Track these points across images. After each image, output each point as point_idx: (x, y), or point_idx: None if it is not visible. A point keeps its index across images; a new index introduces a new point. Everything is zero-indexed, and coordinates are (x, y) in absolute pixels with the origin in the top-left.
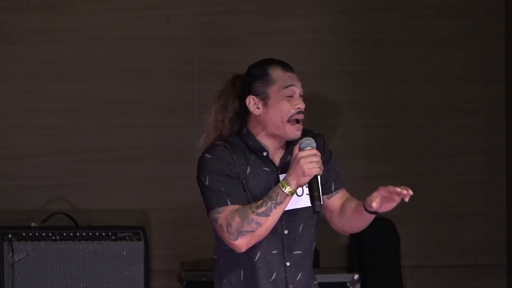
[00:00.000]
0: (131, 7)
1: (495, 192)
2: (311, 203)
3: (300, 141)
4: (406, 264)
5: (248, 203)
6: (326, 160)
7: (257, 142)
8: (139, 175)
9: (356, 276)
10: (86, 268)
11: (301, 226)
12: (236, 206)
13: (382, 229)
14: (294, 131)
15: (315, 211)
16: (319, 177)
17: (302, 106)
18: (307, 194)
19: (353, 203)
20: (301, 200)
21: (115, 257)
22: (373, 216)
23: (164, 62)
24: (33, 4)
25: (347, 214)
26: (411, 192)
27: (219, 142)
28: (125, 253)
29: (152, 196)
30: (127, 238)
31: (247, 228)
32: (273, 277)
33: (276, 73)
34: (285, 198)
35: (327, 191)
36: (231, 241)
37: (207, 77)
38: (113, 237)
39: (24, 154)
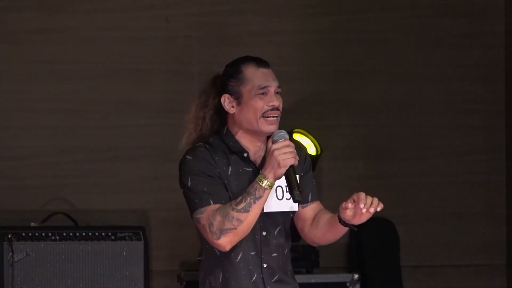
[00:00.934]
0: (131, 7)
1: (495, 192)
2: (290, 193)
3: (273, 133)
4: (405, 264)
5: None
6: (305, 171)
7: (237, 143)
8: (139, 175)
9: (356, 276)
10: (86, 268)
11: (277, 229)
12: (218, 206)
13: (382, 229)
14: (267, 126)
15: (295, 200)
16: (294, 167)
17: (276, 103)
18: (287, 199)
19: (326, 215)
20: (281, 204)
21: (115, 257)
22: (345, 229)
23: (164, 62)
24: (33, 4)
25: (320, 225)
26: (373, 208)
27: (199, 144)
28: (125, 253)
29: (152, 196)
30: (127, 238)
31: (229, 226)
32: (254, 278)
33: (249, 70)
34: (263, 192)
35: (304, 200)
36: (214, 241)
37: (207, 77)
38: (113, 237)
39: (24, 154)
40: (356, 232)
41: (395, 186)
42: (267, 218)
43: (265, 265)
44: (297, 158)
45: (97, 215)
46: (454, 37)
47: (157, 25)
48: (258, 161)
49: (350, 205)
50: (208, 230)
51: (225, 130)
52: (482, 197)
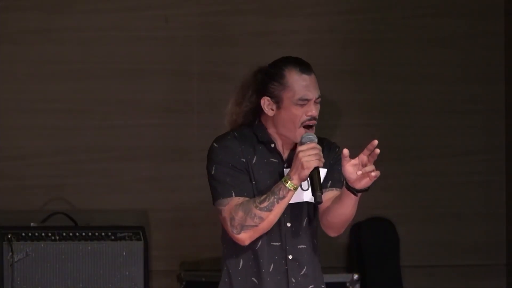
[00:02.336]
0: (131, 7)
1: (495, 192)
2: (312, 194)
3: (302, 136)
4: (405, 264)
5: (253, 193)
6: (333, 165)
7: (267, 134)
8: (139, 175)
9: (355, 276)
10: (86, 268)
11: (305, 220)
12: (240, 199)
13: (382, 229)
14: (303, 133)
15: (316, 201)
16: (320, 169)
17: (315, 113)
18: (304, 190)
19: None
20: (306, 194)
21: (114, 257)
22: (355, 199)
23: (164, 62)
24: (33, 4)
25: (332, 205)
26: (373, 173)
27: (228, 132)
28: (124, 253)
29: (152, 196)
30: (127, 238)
31: (250, 223)
32: (271, 269)
33: (292, 76)
34: (287, 193)
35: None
36: (235, 235)
37: (206, 77)
38: (113, 237)
39: (24, 154)
40: (356, 232)
41: (395, 186)
42: (292, 209)
43: (290, 257)
44: (323, 160)
45: (97, 215)
46: (454, 37)
47: (157, 25)
48: (286, 153)
49: (355, 161)
50: (229, 223)
51: (257, 121)
52: (482, 197)
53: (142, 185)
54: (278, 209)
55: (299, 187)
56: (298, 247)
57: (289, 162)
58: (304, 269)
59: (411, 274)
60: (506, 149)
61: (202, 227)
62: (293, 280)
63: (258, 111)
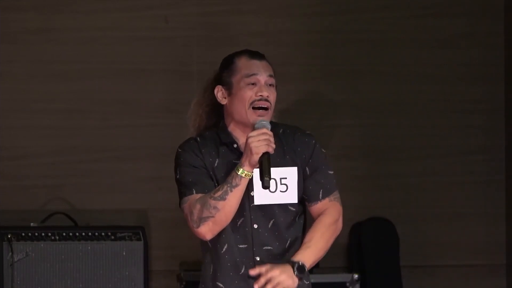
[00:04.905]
0: (131, 7)
1: (495, 192)
2: (260, 179)
3: (256, 122)
4: (405, 264)
5: None
6: (310, 162)
7: (229, 134)
8: (139, 175)
9: (355, 276)
10: (86, 268)
11: (271, 222)
12: (199, 195)
13: (382, 229)
14: (255, 117)
15: (264, 186)
16: (269, 155)
17: (265, 93)
18: (281, 191)
19: (313, 226)
20: (273, 197)
21: (114, 257)
22: None
23: (164, 62)
24: (33, 4)
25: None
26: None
27: (191, 137)
28: (124, 253)
29: (151, 196)
30: (127, 238)
31: (207, 214)
32: (242, 271)
33: (241, 61)
34: (240, 181)
35: (313, 199)
36: (195, 229)
37: (206, 77)
38: (113, 237)
39: (24, 154)
40: (356, 232)
41: (395, 186)
42: (259, 211)
43: (258, 258)
44: (273, 146)
45: (97, 215)
46: (454, 37)
47: (157, 25)
48: None
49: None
50: (189, 219)
51: (221, 123)
52: (482, 197)
53: (142, 185)
54: (233, 198)
55: (267, 189)
56: (264, 248)
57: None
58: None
59: (411, 274)
60: (506, 149)
61: None
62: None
63: (220, 110)
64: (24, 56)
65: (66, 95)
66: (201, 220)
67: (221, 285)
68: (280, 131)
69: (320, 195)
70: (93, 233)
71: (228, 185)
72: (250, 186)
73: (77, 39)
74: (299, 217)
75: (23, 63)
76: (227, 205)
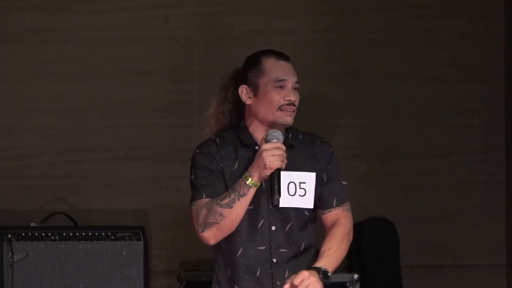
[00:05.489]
0: (131, 7)
1: (495, 192)
2: (270, 197)
3: (267, 133)
4: (405, 264)
5: None
6: (327, 169)
7: (250, 136)
8: (139, 175)
9: (355, 276)
10: (86, 268)
11: (288, 225)
12: (208, 199)
13: (382, 229)
14: (284, 117)
15: (273, 204)
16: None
17: (293, 98)
18: (299, 195)
19: (326, 243)
20: (292, 200)
21: (114, 257)
22: None
23: (164, 62)
24: (33, 4)
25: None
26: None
27: (210, 137)
28: (124, 253)
29: (152, 196)
30: (127, 238)
31: (212, 220)
32: (257, 274)
33: (269, 62)
34: (248, 190)
35: (326, 205)
36: (199, 233)
37: (207, 77)
38: (113, 237)
39: (24, 154)
40: (356, 232)
41: (395, 186)
42: (277, 213)
43: (274, 260)
44: (285, 161)
45: (97, 215)
46: (454, 37)
47: (157, 25)
48: None
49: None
50: (195, 222)
51: (241, 123)
52: (482, 197)
53: (142, 185)
54: (240, 207)
55: (286, 193)
56: (280, 250)
57: None
58: (287, 273)
59: (411, 274)
60: (506, 149)
61: None
62: (278, 283)
63: (240, 110)
64: (24, 56)
65: (66, 95)
66: (206, 225)
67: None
68: (300, 136)
69: (334, 203)
70: (93, 233)
71: (236, 193)
72: (271, 189)
73: (77, 39)
74: (311, 223)
75: (23, 63)
76: (233, 213)
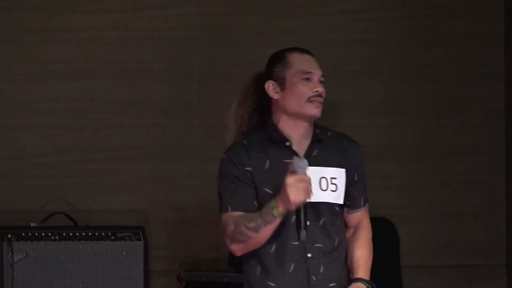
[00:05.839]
0: (131, 7)
1: (495, 192)
2: (296, 231)
3: (293, 160)
4: (405, 264)
5: (253, 204)
6: (358, 169)
7: (279, 132)
8: (139, 175)
9: None
10: (86, 268)
11: (322, 220)
12: (234, 213)
13: (382, 229)
14: (313, 109)
15: (299, 239)
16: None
17: (320, 89)
18: (331, 190)
19: (357, 250)
20: (324, 195)
21: (114, 257)
22: None
23: (164, 62)
24: (33, 4)
25: (348, 253)
26: None
27: (238, 141)
28: (124, 253)
29: (152, 196)
30: (127, 238)
31: (239, 238)
32: (291, 268)
33: (294, 56)
34: (274, 219)
35: (355, 205)
36: (228, 245)
37: (207, 77)
38: (113, 237)
39: (24, 154)
40: None
41: (395, 186)
42: (311, 208)
43: (309, 255)
44: (311, 193)
45: (97, 215)
46: (454, 37)
47: (157, 25)
48: (302, 151)
49: None
50: (224, 233)
51: (269, 121)
52: (482, 197)
53: (142, 185)
54: (265, 231)
55: (319, 188)
56: (315, 245)
57: (308, 160)
58: (322, 268)
59: (411, 274)
60: (506, 149)
61: (202, 227)
62: (314, 278)
63: (264, 111)
64: (24, 56)
65: (66, 95)
66: (234, 240)
67: (272, 284)
68: (329, 133)
69: (362, 203)
70: (93, 233)
71: (262, 219)
72: None
73: (77, 39)
74: (340, 219)
75: (23, 63)
76: (259, 236)
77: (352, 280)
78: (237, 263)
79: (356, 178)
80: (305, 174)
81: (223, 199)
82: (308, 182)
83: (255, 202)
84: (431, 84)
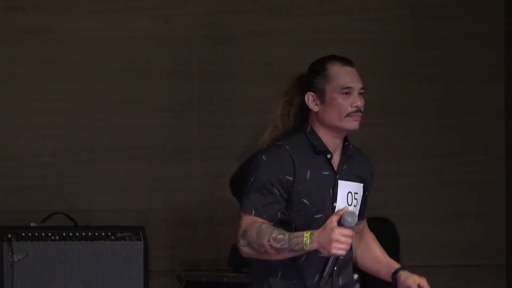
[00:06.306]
0: (131, 7)
1: (495, 192)
2: (320, 275)
3: (344, 210)
4: (406, 264)
5: (277, 215)
6: (369, 183)
7: (322, 143)
8: (139, 175)
9: (355, 276)
10: (86, 268)
11: None
12: (258, 219)
13: (382, 229)
14: (352, 122)
15: (319, 278)
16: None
17: (359, 104)
18: (354, 206)
19: (376, 248)
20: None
21: (114, 257)
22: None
23: (164, 62)
24: (33, 4)
25: (366, 253)
26: None
27: (281, 143)
28: (124, 253)
29: (152, 196)
30: (127, 238)
31: (256, 248)
32: (315, 279)
33: (335, 68)
34: (301, 250)
35: (362, 217)
36: (239, 244)
37: (206, 77)
38: (113, 237)
39: (24, 154)
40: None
41: (395, 186)
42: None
43: (335, 268)
44: (347, 250)
45: (97, 215)
46: (454, 37)
47: (157, 25)
48: (335, 162)
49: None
50: (240, 232)
51: (309, 128)
52: (482, 197)
53: (142, 185)
54: (286, 255)
55: (346, 202)
56: (340, 258)
57: (340, 175)
58: (341, 280)
59: None
60: (506, 149)
61: (202, 227)
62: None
63: (304, 114)
64: (24, 56)
65: (66, 95)
66: (249, 245)
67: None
68: (350, 146)
69: (365, 215)
70: (93, 233)
71: (289, 245)
72: (334, 197)
73: (77, 39)
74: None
75: (23, 63)
76: (277, 256)
77: (393, 273)
78: (237, 263)
79: (367, 193)
80: (352, 229)
81: (249, 198)
82: (351, 239)
83: (279, 215)
84: (431, 84)
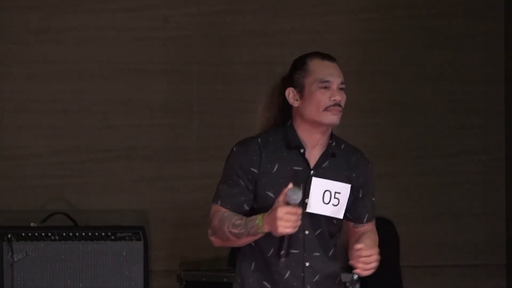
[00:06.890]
0: (131, 7)
1: (495, 192)
2: (276, 253)
3: (289, 189)
4: (405, 264)
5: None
6: (364, 186)
7: (297, 138)
8: (139, 175)
9: (355, 276)
10: (86, 268)
11: (318, 231)
12: (222, 209)
13: (382, 229)
14: (330, 116)
15: (279, 260)
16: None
17: (338, 98)
18: (333, 205)
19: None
20: (324, 208)
21: (114, 257)
22: None
23: (164, 62)
24: (33, 4)
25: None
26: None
27: (254, 137)
28: (124, 253)
29: (152, 196)
30: (127, 238)
31: (220, 235)
32: (286, 276)
33: (314, 62)
34: (257, 234)
35: (358, 220)
36: (209, 235)
37: (206, 77)
38: (113, 237)
39: (24, 154)
40: None
41: (395, 186)
42: (310, 218)
43: (307, 264)
44: (297, 226)
45: (97, 215)
46: (454, 37)
47: (157, 25)
48: (313, 159)
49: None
50: (208, 221)
51: (289, 123)
52: (482, 197)
53: (142, 185)
54: (246, 240)
55: (321, 200)
56: (314, 254)
57: (316, 171)
58: (317, 277)
59: (411, 274)
60: (506, 149)
61: (202, 227)
62: (308, 287)
63: (287, 114)
64: (24, 56)
65: (66, 95)
66: (215, 234)
67: (267, 284)
68: (342, 146)
69: (365, 219)
70: (93, 233)
71: (246, 230)
72: (306, 193)
73: (77, 39)
74: (337, 233)
75: (23, 63)
76: (239, 242)
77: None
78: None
79: (360, 195)
80: (297, 206)
81: (218, 189)
82: (297, 215)
83: (245, 206)
84: (431, 84)
